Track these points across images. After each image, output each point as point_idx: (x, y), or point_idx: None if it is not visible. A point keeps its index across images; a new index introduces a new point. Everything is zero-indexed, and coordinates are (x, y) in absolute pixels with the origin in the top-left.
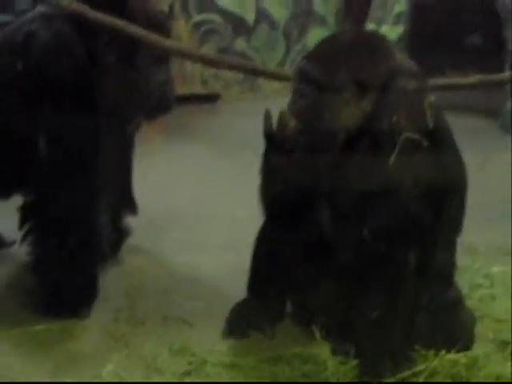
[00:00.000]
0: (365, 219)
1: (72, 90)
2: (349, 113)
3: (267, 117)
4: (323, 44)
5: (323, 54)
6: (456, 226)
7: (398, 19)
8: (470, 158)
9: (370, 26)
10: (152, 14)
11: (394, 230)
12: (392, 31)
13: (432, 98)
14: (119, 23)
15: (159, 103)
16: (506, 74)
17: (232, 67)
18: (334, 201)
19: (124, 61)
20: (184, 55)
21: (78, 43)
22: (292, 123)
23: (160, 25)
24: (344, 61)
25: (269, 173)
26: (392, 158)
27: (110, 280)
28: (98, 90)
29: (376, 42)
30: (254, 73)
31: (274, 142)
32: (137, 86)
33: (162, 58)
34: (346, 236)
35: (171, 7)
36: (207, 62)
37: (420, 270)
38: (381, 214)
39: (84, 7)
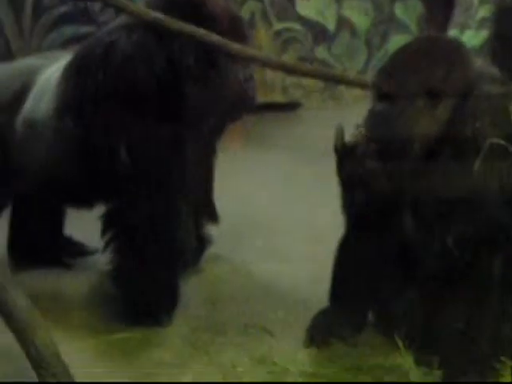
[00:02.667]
0: (449, 227)
1: (152, 99)
2: (423, 122)
3: (339, 132)
4: (397, 54)
5: (396, 64)
6: None
7: (481, 24)
8: None
9: (453, 32)
10: (231, 20)
11: (478, 238)
12: (475, 36)
13: None
14: (200, 32)
15: (240, 102)
16: None
17: (313, 75)
18: (417, 209)
19: (204, 62)
20: (265, 63)
21: (158, 52)
22: (365, 140)
23: (239, 30)
24: (417, 70)
25: (348, 183)
26: (477, 165)
27: (190, 288)
28: (180, 96)
29: (451, 49)
30: (335, 80)
31: (347, 155)
32: (217, 87)
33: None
34: (430, 244)
35: (252, 15)
36: (288, 69)
37: (506, 277)
38: (465, 222)
39: (163, 16)
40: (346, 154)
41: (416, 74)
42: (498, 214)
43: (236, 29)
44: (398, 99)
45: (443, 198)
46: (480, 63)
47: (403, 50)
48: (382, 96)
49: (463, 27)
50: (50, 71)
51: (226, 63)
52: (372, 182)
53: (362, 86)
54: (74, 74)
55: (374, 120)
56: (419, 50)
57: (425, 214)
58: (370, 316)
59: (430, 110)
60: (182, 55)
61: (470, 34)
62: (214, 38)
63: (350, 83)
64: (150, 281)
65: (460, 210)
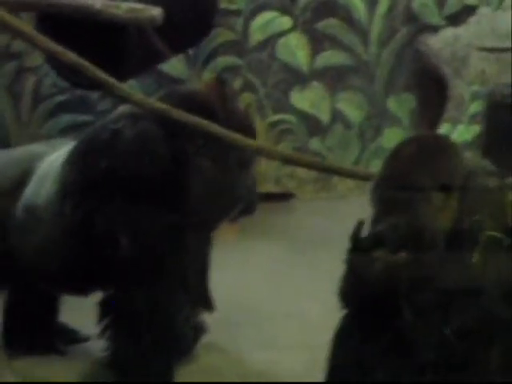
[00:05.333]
0: (447, 318)
1: (155, 189)
2: (442, 214)
3: (359, 227)
4: (400, 152)
5: (403, 162)
6: None
7: (473, 119)
8: None
9: (445, 126)
10: (240, 116)
11: (476, 329)
12: (467, 131)
13: None
14: (202, 122)
15: (244, 205)
16: None
17: (309, 165)
18: (416, 299)
19: (213, 163)
20: (264, 153)
21: (162, 143)
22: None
23: (248, 126)
24: (425, 166)
25: (352, 271)
26: (474, 257)
27: (184, 377)
28: (183, 189)
29: (448, 145)
30: (331, 171)
31: (360, 248)
32: (226, 189)
33: (248, 160)
34: (428, 335)
35: (248, 107)
36: (286, 159)
37: (502, 370)
38: (463, 313)
39: (168, 107)
40: (357, 244)
41: (428, 169)
42: (495, 306)
43: (245, 126)
44: (419, 193)
45: (442, 289)
46: (471, 157)
47: (398, 154)
48: (389, 203)
49: (455, 122)
50: (51, 158)
51: (234, 165)
52: (378, 272)
53: (358, 177)
54: (77, 160)
55: (396, 218)
56: (415, 151)
57: (423, 304)
58: None
59: (445, 203)
60: (192, 150)
61: (462, 129)
62: (216, 128)
63: (345, 174)
64: (145, 368)
65: (458, 302)
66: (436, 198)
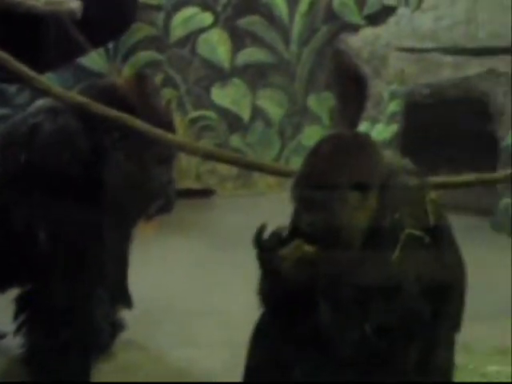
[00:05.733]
0: (367, 315)
1: (74, 184)
2: (360, 213)
3: (261, 229)
4: (319, 150)
5: (322, 160)
6: (455, 323)
7: (391, 118)
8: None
9: (364, 125)
10: (161, 113)
11: (395, 325)
12: (385, 130)
13: (433, 195)
14: (123, 116)
15: (161, 203)
16: (502, 173)
17: (231, 161)
18: (335, 296)
19: (131, 159)
20: (185, 149)
21: (82, 137)
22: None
23: (168, 123)
24: (344, 164)
25: (263, 271)
26: (394, 255)
27: (102, 375)
28: (102, 185)
29: (367, 144)
30: (253, 167)
31: (264, 248)
32: (142, 185)
33: (167, 158)
34: (347, 331)
35: (168, 103)
36: (207, 155)
37: (420, 366)
38: (383, 310)
39: (88, 100)
40: (266, 243)
41: (345, 167)
42: (413, 303)
43: (166, 123)
44: (336, 191)
45: (361, 287)
46: (391, 156)
47: (317, 152)
48: (308, 201)
49: (374, 121)
50: None
51: (152, 162)
52: (287, 270)
53: (278, 173)
54: None
55: (315, 218)
56: (340, 146)
57: (343, 301)
58: None
59: (363, 200)
60: (110, 144)
61: (381, 128)
62: (137, 122)
63: (266, 171)
64: (61, 365)
65: (378, 299)
66: (355, 197)
